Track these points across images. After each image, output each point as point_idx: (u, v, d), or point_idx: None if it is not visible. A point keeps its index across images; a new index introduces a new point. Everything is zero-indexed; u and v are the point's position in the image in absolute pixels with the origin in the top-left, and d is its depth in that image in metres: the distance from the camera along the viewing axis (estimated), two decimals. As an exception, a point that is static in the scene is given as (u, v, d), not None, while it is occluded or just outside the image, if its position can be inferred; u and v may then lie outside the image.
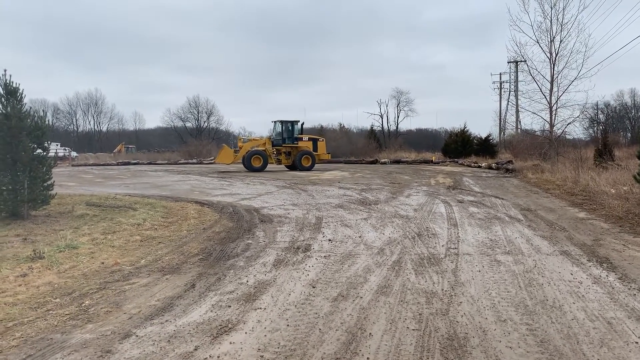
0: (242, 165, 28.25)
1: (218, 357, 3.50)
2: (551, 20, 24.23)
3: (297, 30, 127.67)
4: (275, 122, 29.56)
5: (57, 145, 49.43)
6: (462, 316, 4.26)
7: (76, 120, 79.41)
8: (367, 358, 3.45)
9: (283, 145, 28.81)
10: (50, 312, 4.62)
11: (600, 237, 7.83)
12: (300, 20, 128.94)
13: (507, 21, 63.28)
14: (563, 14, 24.00)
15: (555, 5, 24.10)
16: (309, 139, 29.67)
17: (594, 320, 4.15)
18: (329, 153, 31.20)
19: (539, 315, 4.29)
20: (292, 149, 28.85)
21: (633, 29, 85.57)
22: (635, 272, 5.71)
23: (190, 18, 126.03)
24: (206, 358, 3.47)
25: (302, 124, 30.11)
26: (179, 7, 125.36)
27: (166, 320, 4.26)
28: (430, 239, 7.69)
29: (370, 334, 3.89)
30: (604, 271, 5.75)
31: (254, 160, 27.39)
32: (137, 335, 3.92)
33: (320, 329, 4.00)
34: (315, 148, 29.23)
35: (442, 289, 5.06)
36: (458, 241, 7.53)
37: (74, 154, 51.76)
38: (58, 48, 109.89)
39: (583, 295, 4.84)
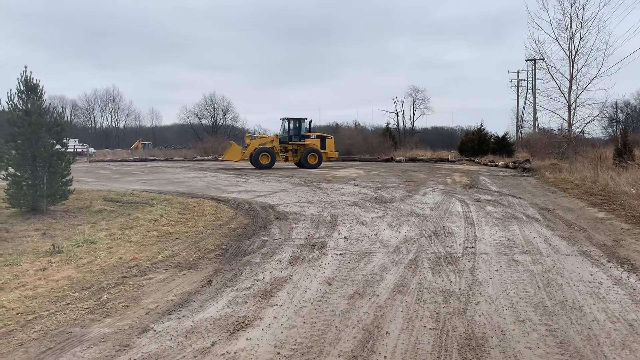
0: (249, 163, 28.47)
1: (235, 353, 3.51)
2: (571, 17, 23.84)
3: (311, 28, 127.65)
4: (283, 119, 29.64)
5: (75, 141, 50.08)
6: (480, 316, 4.22)
7: (94, 116, 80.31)
8: (385, 356, 3.44)
9: (289, 142, 28.81)
10: (70, 305, 4.67)
11: (621, 237, 7.70)
12: (314, 18, 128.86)
13: (524, 18, 62.34)
14: (583, 11, 23.59)
15: (575, 2, 23.71)
16: (317, 137, 29.49)
17: (615, 322, 4.08)
18: (337, 151, 30.98)
19: (558, 316, 4.23)
20: (299, 147, 28.77)
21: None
22: (657, 273, 5.61)
23: (206, 16, 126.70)
24: (223, 354, 3.49)
25: (310, 122, 30.12)
26: (194, 5, 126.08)
27: (183, 316, 4.29)
28: (447, 238, 7.63)
29: (387, 332, 3.87)
30: (624, 272, 5.66)
31: (262, 158, 27.50)
32: (154, 330, 3.95)
33: (337, 327, 3.99)
34: (323, 146, 29.07)
35: (460, 288, 5.02)
36: (475, 240, 7.47)
37: (91, 150, 52.35)
38: (77, 45, 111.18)
39: (604, 297, 4.76)
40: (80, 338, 3.82)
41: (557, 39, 24.36)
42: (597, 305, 4.50)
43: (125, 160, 41.08)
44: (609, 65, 30.41)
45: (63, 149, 10.88)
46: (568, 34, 23.96)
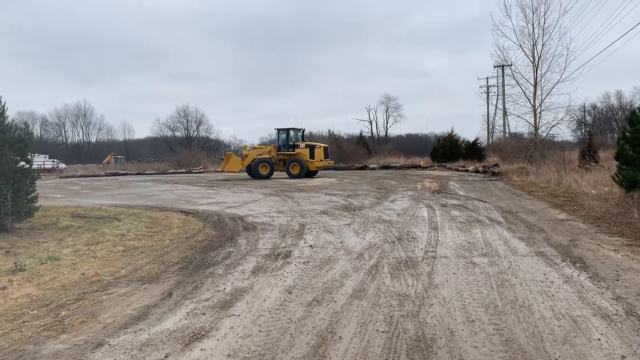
0: (246, 174, 28.92)
1: (188, 363, 3.54)
2: (533, 24, 24.56)
3: (285, 39, 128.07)
4: (276, 129, 29.88)
5: (45, 157, 49.17)
6: (431, 318, 4.34)
7: (65, 131, 79.17)
8: (334, 361, 3.52)
9: (278, 152, 28.99)
10: (26, 323, 4.64)
11: (577, 237, 7.96)
12: (288, 27, 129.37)
13: (490, 26, 63.76)
14: (544, 18, 24.34)
15: (537, 10, 24.44)
16: (306, 146, 29.06)
17: (560, 319, 4.24)
18: (330, 159, 30.56)
19: (507, 315, 4.38)
20: (290, 157, 28.73)
21: (616, 31, 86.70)
22: (606, 271, 5.82)
23: (178, 27, 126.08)
24: (176, 365, 3.52)
25: (302, 131, 30.15)
26: (166, 16, 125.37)
27: (140, 329, 4.30)
28: (409, 243, 7.78)
29: (340, 337, 3.96)
30: (576, 271, 5.86)
31: (261, 168, 27.89)
32: (109, 345, 3.96)
33: (291, 334, 4.06)
34: (312, 155, 28.64)
35: (416, 292, 5.13)
36: (437, 244, 7.62)
37: (62, 165, 51.46)
38: (46, 59, 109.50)
39: (553, 295, 4.93)
40: (33, 355, 3.80)
41: (520, 46, 25.08)
42: (546, 304, 4.66)
43: (97, 175, 40.49)
44: (571, 70, 31.32)
45: (27, 166, 10.74)
46: (531, 40, 24.68)
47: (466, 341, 3.80)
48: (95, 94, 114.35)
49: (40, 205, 11.26)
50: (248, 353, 3.70)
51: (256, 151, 29.50)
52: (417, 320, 4.28)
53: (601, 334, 3.87)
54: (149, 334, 4.18)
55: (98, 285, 5.92)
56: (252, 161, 28.31)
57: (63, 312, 4.92)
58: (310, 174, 28.71)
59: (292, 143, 28.95)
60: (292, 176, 27.84)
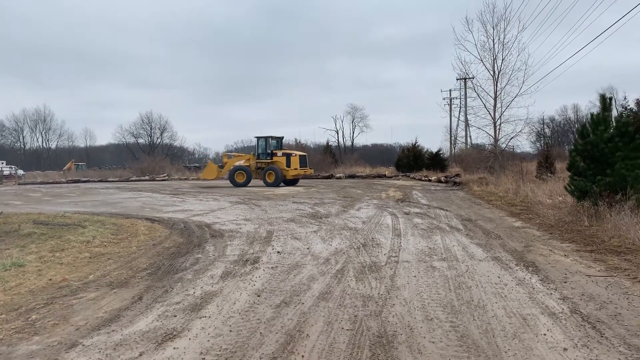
0: (224, 181, 29.23)
1: (162, 361, 3.70)
2: (493, 39, 25.57)
3: (251, 48, 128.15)
4: (256, 137, 29.68)
5: (2, 163, 47.68)
6: (393, 316, 4.61)
7: (23, 137, 76.84)
8: (302, 356, 3.74)
9: (257, 161, 28.74)
10: (-4, 327, 4.67)
11: (531, 243, 8.41)
12: (253, 37, 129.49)
13: (452, 40, 65.53)
14: (504, 34, 25.34)
15: (497, 25, 25.44)
16: (283, 154, 28.56)
17: (511, 317, 4.58)
18: (307, 168, 29.68)
19: (463, 313, 4.69)
20: (267, 164, 28.39)
21: (573, 48, 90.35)
22: (556, 274, 6.24)
23: (142, 34, 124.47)
24: (150, 362, 3.67)
25: (280, 139, 29.93)
26: (129, 23, 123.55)
27: (112, 330, 4.42)
28: (374, 249, 8.07)
29: (307, 335, 4.18)
30: (528, 274, 6.26)
31: (237, 176, 28.04)
32: (83, 345, 4.07)
33: (261, 333, 4.26)
34: (288, 163, 28.19)
35: (379, 293, 5.41)
36: (400, 250, 7.94)
37: (20, 172, 49.98)
38: (3, 64, 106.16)
39: (506, 296, 5.28)
40: (7, 356, 3.88)
41: (481, 60, 26.02)
42: (499, 304, 5.00)
43: (57, 183, 39.53)
44: (529, 84, 32.60)
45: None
46: (492, 55, 25.64)
47: (424, 337, 4.08)
48: (56, 99, 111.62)
49: (1, 212, 11.09)
50: (220, 351, 3.88)
51: (235, 159, 29.74)
52: (379, 319, 4.54)
53: (547, 330, 4.22)
54: (122, 334, 4.30)
55: (67, 290, 5.96)
56: (231, 169, 28.53)
57: (34, 316, 4.97)
58: (291, 182, 28.54)
59: (269, 151, 28.67)
60: (268, 184, 27.68)
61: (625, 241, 7.90)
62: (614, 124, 10.36)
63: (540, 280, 5.94)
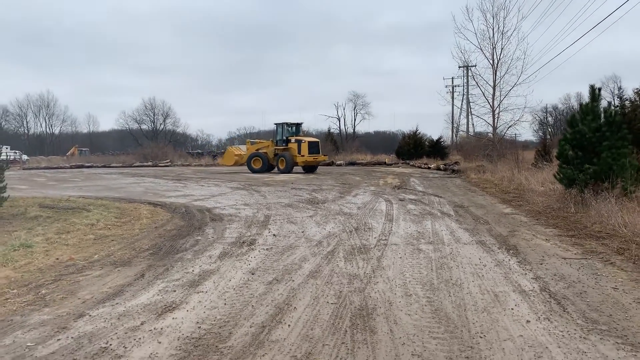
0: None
1: (162, 328, 4.09)
2: (493, 28, 25.71)
3: (254, 34, 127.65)
4: (275, 124, 29.78)
5: (6, 148, 48.08)
6: (375, 293, 4.99)
7: (27, 122, 77.22)
8: (289, 325, 4.12)
9: (275, 148, 28.75)
10: (9, 300, 5.07)
11: (516, 229, 8.77)
12: (257, 24, 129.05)
13: (452, 29, 65.33)
14: (504, 23, 25.49)
15: (497, 15, 25.58)
16: (295, 141, 28.11)
17: (484, 294, 4.95)
18: (318, 155, 28.49)
19: (440, 291, 5.07)
20: (284, 151, 28.33)
21: (575, 36, 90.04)
22: (534, 256, 6.61)
23: (146, 20, 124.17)
24: (151, 330, 4.06)
25: (297, 125, 29.57)
26: (133, 9, 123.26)
27: (116, 303, 4.81)
28: (365, 233, 8.44)
29: (295, 307, 4.57)
30: (507, 256, 6.63)
31: (254, 162, 28.54)
32: (90, 315, 4.46)
33: (253, 306, 4.65)
34: (299, 150, 27.76)
35: (365, 272, 5.79)
36: (390, 234, 8.32)
37: (24, 157, 50.44)
38: (7, 50, 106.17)
39: (483, 275, 5.66)
40: (21, 324, 4.27)
41: (481, 49, 26.19)
42: (475, 282, 5.37)
43: (61, 168, 39.99)
44: (528, 73, 32.77)
45: (-4, 156, 10.96)
46: (491, 44, 25.80)
47: (402, 310, 4.46)
48: (59, 85, 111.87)
49: (9, 196, 11.47)
50: (214, 321, 4.27)
51: (256, 146, 30.06)
52: (362, 295, 4.92)
53: (515, 305, 4.60)
54: (125, 307, 4.69)
55: (73, 269, 6.35)
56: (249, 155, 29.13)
57: (43, 291, 5.37)
58: (309, 169, 28.37)
59: (284, 138, 28.55)
60: (280, 171, 27.74)
61: (606, 227, 8.26)
62: (602, 114, 10.65)
63: (518, 262, 6.31)
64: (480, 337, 3.82)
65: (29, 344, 3.80)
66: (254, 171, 28.20)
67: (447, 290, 5.09)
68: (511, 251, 6.94)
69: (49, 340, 3.89)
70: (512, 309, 4.49)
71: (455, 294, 4.96)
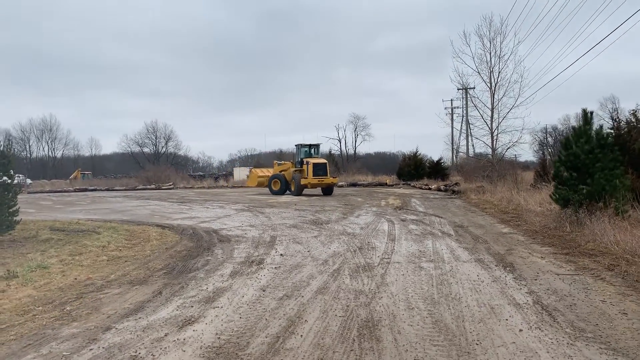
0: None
1: (184, 339, 4.45)
2: (490, 53, 26.41)
3: (254, 57, 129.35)
4: (296, 145, 29.93)
5: (20, 177, 48.57)
6: (380, 306, 5.35)
7: (29, 146, 77.93)
8: (301, 335, 4.48)
9: (294, 169, 28.47)
10: (37, 316, 5.43)
11: (514, 247, 9.14)
12: (257, 46, 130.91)
13: (452, 52, 66.61)
14: (501, 48, 26.19)
15: (493, 39, 26.29)
16: (306, 163, 27.43)
17: (481, 307, 5.31)
18: (324, 176, 27.23)
19: (440, 304, 5.43)
20: (299, 172, 27.87)
21: (571, 59, 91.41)
22: (530, 273, 6.97)
23: (147, 44, 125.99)
24: (175, 340, 4.42)
25: (311, 146, 29.28)
26: (134, 32, 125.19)
27: (139, 317, 5.17)
28: (369, 251, 8.81)
29: (306, 320, 4.93)
30: (504, 273, 6.99)
31: (274, 184, 28.96)
32: (116, 328, 4.82)
33: (266, 319, 5.01)
34: (307, 172, 27.07)
35: (369, 288, 6.15)
36: (392, 253, 8.68)
37: (28, 180, 50.92)
38: (10, 74, 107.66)
39: (480, 290, 6.02)
40: (54, 336, 4.63)
41: (479, 72, 26.83)
42: (473, 297, 5.73)
43: (65, 191, 40.43)
44: (525, 96, 33.43)
45: (10, 180, 11.38)
46: (488, 68, 26.45)
47: (404, 321, 4.82)
48: (62, 108, 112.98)
49: (21, 219, 11.86)
50: (232, 332, 4.63)
51: (281, 167, 30.19)
52: (368, 308, 5.28)
53: (510, 316, 4.96)
54: (147, 321, 5.06)
55: (92, 287, 6.72)
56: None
57: (68, 307, 5.73)
58: (326, 191, 27.76)
59: (300, 159, 28.50)
60: (290, 193, 27.70)
61: (599, 245, 8.63)
62: (594, 137, 11.09)
63: (514, 278, 6.68)
64: (477, 344, 4.18)
65: (64, 354, 4.17)
66: (273, 192, 28.39)
67: (446, 303, 5.45)
68: (508, 268, 7.31)
69: (82, 350, 4.25)
70: (507, 319, 4.86)
71: (454, 307, 5.32)
